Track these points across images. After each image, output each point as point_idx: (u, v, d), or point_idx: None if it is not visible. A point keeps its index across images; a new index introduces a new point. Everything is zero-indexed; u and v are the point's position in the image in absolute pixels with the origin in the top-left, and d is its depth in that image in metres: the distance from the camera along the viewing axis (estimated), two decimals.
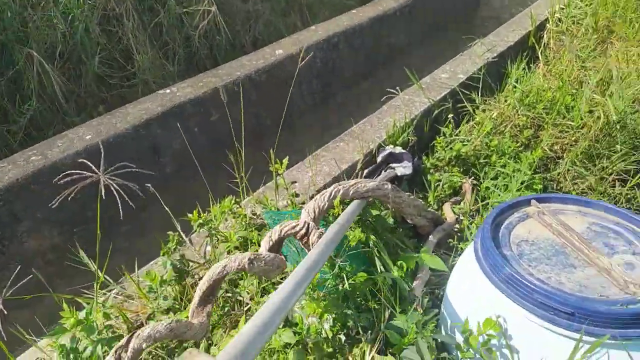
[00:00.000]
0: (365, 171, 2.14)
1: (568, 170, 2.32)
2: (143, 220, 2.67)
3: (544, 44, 3.19)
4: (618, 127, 2.35)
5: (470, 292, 1.20)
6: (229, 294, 1.44)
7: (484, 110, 2.62)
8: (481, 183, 2.24)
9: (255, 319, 0.88)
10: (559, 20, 3.23)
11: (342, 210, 1.46)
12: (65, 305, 1.21)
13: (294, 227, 1.33)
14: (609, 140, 2.37)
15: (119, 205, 1.10)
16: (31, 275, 1.47)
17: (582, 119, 2.40)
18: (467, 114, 2.61)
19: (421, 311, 1.29)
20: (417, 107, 2.51)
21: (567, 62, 2.89)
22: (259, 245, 1.66)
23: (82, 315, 1.19)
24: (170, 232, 1.55)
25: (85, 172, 1.13)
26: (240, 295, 1.42)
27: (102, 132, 2.43)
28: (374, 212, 1.67)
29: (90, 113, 3.97)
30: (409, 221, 1.84)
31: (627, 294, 1.02)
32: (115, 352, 1.02)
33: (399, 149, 2.17)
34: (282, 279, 1.54)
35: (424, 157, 2.33)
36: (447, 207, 2.03)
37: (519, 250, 1.14)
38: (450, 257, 1.72)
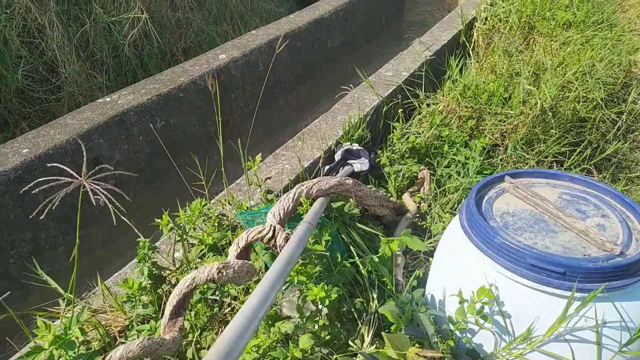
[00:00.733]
0: (325, 168, 2.16)
1: (510, 155, 2.47)
2: (88, 234, 2.51)
3: (474, 41, 3.39)
4: (551, 113, 2.55)
5: (459, 266, 1.24)
6: (216, 296, 1.38)
7: (428, 105, 2.73)
8: (435, 171, 2.33)
9: (234, 323, 0.87)
10: (486, 19, 3.45)
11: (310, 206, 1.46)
12: (40, 322, 1.10)
13: (260, 232, 1.31)
14: (544, 126, 2.56)
15: (112, 211, 1.02)
16: None
17: (519, 107, 2.57)
18: (414, 110, 2.71)
19: (408, 293, 1.31)
20: (368, 104, 2.57)
21: (497, 57, 3.09)
22: None
23: (60, 330, 1.09)
24: (140, 239, 1.47)
25: (63, 178, 1.04)
26: (227, 296, 1.37)
27: (40, 145, 2.25)
28: (338, 204, 1.68)
29: (12, 130, 3.68)
30: (372, 212, 1.87)
31: (605, 251, 1.10)
32: None
33: (355, 146, 2.21)
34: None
35: (378, 152, 2.38)
36: (406, 197, 2.09)
37: (504, 222, 1.20)
38: (423, 239, 1.77)
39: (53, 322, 1.32)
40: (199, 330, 1.30)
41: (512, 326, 1.13)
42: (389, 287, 1.32)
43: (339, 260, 1.33)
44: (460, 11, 3.43)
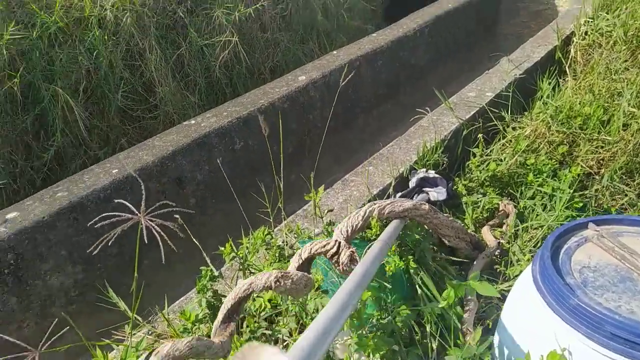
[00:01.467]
0: (398, 195, 2.08)
1: (606, 185, 2.22)
2: (165, 252, 2.64)
3: (571, 58, 3.12)
4: None
5: (530, 323, 1.11)
6: (268, 331, 1.37)
7: (514, 129, 2.54)
8: (518, 203, 2.15)
9: (315, 324, 0.84)
10: (585, 33, 3.16)
11: (381, 229, 1.40)
12: (98, 352, 1.16)
13: (324, 246, 1.28)
14: None
15: (161, 247, 1.05)
16: (57, 319, 1.43)
17: (619, 133, 2.30)
18: (497, 133, 2.54)
19: (475, 344, 1.20)
20: (446, 128, 2.45)
21: (597, 75, 2.81)
22: None
23: None
24: (202, 267, 1.50)
25: (124, 214, 1.09)
26: (280, 333, 1.35)
27: (128, 165, 2.41)
28: (415, 236, 1.60)
29: (112, 146, 4.00)
30: (446, 243, 1.76)
31: None
32: None
33: (432, 173, 2.11)
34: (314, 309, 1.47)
35: (455, 179, 2.26)
36: (485, 231, 1.95)
37: (582, 278, 1.06)
38: (497, 283, 1.63)
39: (118, 345, 1.39)
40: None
41: None
42: (450, 341, 1.22)
43: (399, 305, 1.26)
44: (556, 25, 3.18)
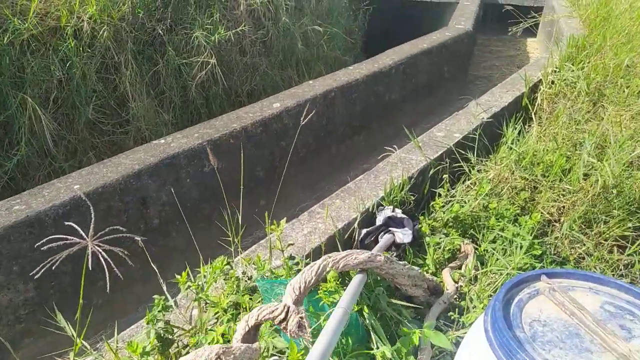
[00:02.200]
0: (363, 231, 2.08)
1: (565, 234, 2.28)
2: (121, 273, 2.56)
3: (538, 105, 3.24)
4: (614, 192, 2.34)
5: None
6: None
7: (479, 171, 2.60)
8: (479, 246, 2.18)
9: None
10: (552, 82, 3.29)
11: (339, 283, 1.39)
12: None
13: (272, 312, 1.24)
14: (606, 205, 2.35)
15: (106, 273, 1.02)
16: None
17: (579, 183, 2.38)
18: (463, 174, 2.59)
19: None
20: (414, 165, 2.49)
21: (561, 124, 2.92)
22: (249, 310, 1.57)
23: None
24: (156, 296, 1.46)
25: (71, 238, 1.06)
26: None
27: (91, 182, 2.36)
28: (369, 282, 1.59)
29: (79, 159, 3.91)
30: (402, 292, 1.76)
31: None
32: None
33: (399, 213, 2.12)
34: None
35: (420, 217, 2.28)
36: (446, 274, 1.96)
37: (532, 332, 1.07)
38: (451, 329, 1.63)
39: None
40: None
41: None
42: None
43: (352, 349, 1.24)
44: (525, 74, 3.30)
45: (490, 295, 1.85)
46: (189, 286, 1.49)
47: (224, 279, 1.64)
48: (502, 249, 2.11)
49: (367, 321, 1.34)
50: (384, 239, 2.00)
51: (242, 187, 1.80)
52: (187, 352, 1.45)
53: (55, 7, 3.72)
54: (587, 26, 4.73)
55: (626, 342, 1.04)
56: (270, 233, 1.67)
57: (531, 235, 2.10)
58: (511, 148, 2.63)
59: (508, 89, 3.42)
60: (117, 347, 1.43)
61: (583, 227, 2.32)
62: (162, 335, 1.34)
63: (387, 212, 2.13)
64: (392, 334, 1.43)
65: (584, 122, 2.93)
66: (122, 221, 2.43)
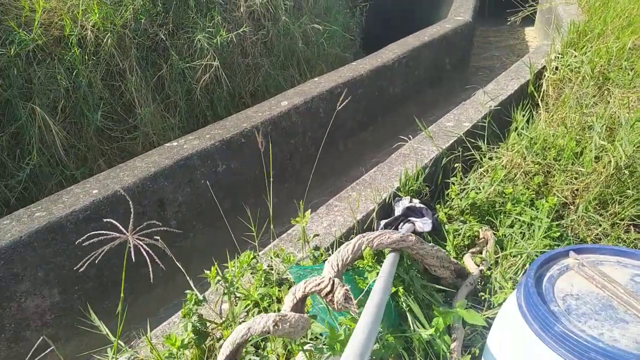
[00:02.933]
0: (382, 222, 2.11)
1: (581, 216, 2.30)
2: (144, 275, 2.59)
3: (544, 91, 3.26)
4: (627, 172, 2.36)
5: (515, 349, 1.14)
6: (256, 357, 1.36)
7: (490, 158, 2.62)
8: (497, 231, 2.21)
9: None
10: (556, 68, 3.31)
11: (374, 261, 1.41)
12: None
13: (318, 284, 1.28)
14: (620, 185, 2.38)
15: (150, 267, 1.04)
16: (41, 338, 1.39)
17: (592, 165, 2.40)
18: (474, 162, 2.61)
19: None
20: (427, 155, 2.51)
21: (568, 108, 2.94)
22: (279, 302, 1.60)
23: None
24: (188, 291, 1.49)
25: (111, 233, 1.08)
26: (267, 359, 1.35)
27: (109, 186, 2.38)
28: (405, 264, 1.62)
29: (90, 166, 3.94)
30: (431, 272, 1.79)
31: None
32: None
33: (418, 203, 2.15)
34: (309, 338, 1.47)
35: (437, 206, 2.30)
36: (467, 259, 1.99)
37: (566, 306, 1.10)
38: (481, 311, 1.66)
39: None
40: None
41: None
42: None
43: (387, 331, 1.27)
44: (529, 60, 3.32)
45: (514, 276, 1.87)
46: (219, 280, 1.52)
47: (251, 273, 1.66)
48: (521, 233, 2.13)
49: (403, 303, 1.36)
50: (404, 228, 2.02)
51: (271, 179, 1.82)
52: (221, 346, 1.47)
53: (59, 17, 3.74)
54: (587, 12, 4.75)
55: None
56: (294, 225, 1.69)
57: (549, 218, 2.12)
58: (521, 134, 2.65)
59: (513, 76, 3.44)
60: (152, 342, 1.45)
61: (598, 208, 2.35)
62: (197, 328, 1.36)
63: (405, 202, 2.15)
64: (424, 316, 1.46)
65: (591, 105, 2.95)
66: (141, 224, 2.45)
